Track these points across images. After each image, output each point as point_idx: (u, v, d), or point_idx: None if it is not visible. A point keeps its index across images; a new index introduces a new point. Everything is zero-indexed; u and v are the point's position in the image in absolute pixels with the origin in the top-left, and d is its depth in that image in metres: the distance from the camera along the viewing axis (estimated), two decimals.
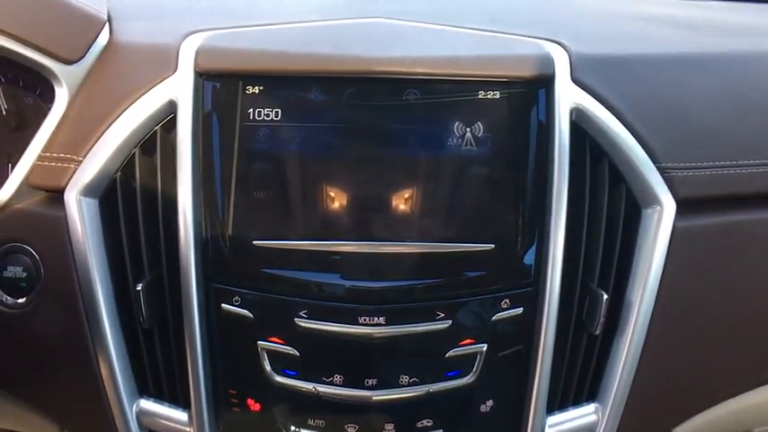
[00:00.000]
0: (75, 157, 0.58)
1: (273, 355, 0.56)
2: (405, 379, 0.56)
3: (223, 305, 0.56)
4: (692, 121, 0.60)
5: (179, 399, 0.59)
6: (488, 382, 0.57)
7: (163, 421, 0.60)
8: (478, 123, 0.57)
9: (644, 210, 0.59)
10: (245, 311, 0.56)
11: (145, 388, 0.60)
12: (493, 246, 0.56)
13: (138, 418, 0.60)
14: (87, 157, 0.57)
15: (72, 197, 0.57)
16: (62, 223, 0.57)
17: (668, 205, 0.58)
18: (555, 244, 0.56)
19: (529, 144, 0.58)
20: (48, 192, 0.59)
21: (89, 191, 0.57)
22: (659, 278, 0.58)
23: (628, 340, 0.58)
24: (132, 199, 0.59)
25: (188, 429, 0.59)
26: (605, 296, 0.57)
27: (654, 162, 0.58)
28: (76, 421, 0.64)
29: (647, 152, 0.58)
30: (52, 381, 0.62)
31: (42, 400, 0.64)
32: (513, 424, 0.59)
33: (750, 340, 0.63)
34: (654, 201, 0.58)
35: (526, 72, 0.57)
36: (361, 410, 0.56)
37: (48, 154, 0.59)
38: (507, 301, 0.57)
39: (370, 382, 0.55)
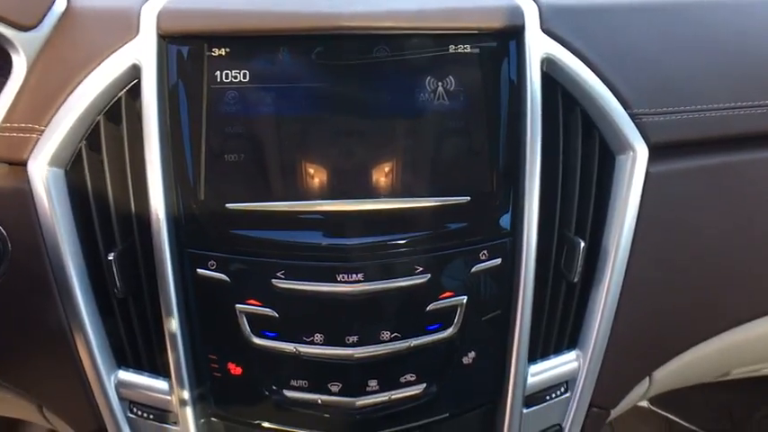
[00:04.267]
0: (36, 126, 0.56)
1: (252, 318, 0.55)
2: (386, 335, 0.55)
3: (198, 270, 0.55)
4: (663, 66, 0.60)
5: (158, 368, 0.58)
6: (470, 334, 0.57)
7: (143, 391, 0.59)
8: (450, 77, 0.57)
9: (617, 156, 0.59)
10: (221, 275, 0.55)
11: (123, 359, 0.59)
12: (469, 198, 0.56)
13: (117, 389, 0.59)
14: (50, 126, 0.56)
15: (35, 168, 0.55)
16: (27, 195, 0.56)
17: (641, 151, 0.58)
18: (530, 194, 0.56)
19: (501, 96, 0.57)
20: (11, 164, 0.58)
21: (54, 161, 0.56)
22: (634, 223, 0.58)
23: (606, 287, 0.59)
24: (100, 168, 0.57)
25: (168, 398, 0.58)
26: (582, 243, 0.58)
27: (625, 109, 0.58)
28: (54, 398, 0.63)
29: (618, 99, 0.58)
30: (26, 358, 0.60)
31: (18, 378, 0.62)
32: (495, 374, 0.60)
33: (724, 282, 0.64)
34: (627, 147, 0.58)
35: (495, 23, 0.57)
36: (344, 368, 0.56)
37: (8, 125, 0.57)
38: (485, 252, 0.56)
39: (352, 339, 0.55)
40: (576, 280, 0.59)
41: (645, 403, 1.47)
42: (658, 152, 0.59)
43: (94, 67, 0.56)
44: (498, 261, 0.57)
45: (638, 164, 0.58)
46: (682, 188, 0.60)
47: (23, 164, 0.56)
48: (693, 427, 1.44)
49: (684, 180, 0.60)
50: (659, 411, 1.46)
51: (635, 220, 0.58)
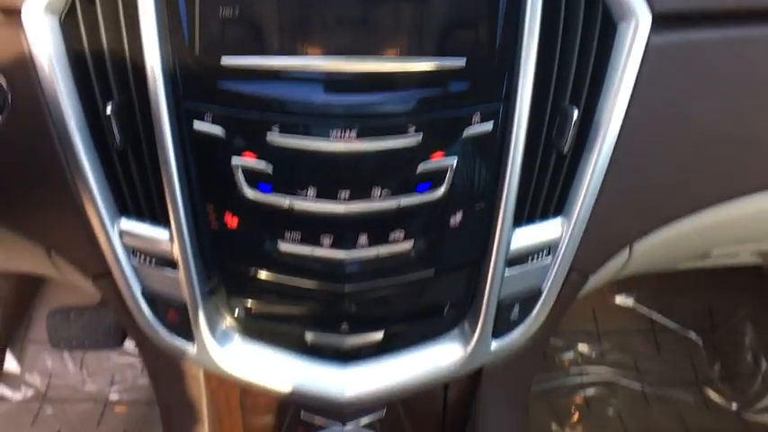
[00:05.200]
0: None
1: (247, 171, 0.57)
2: (377, 192, 0.57)
3: (195, 123, 0.56)
4: None
5: (159, 217, 0.61)
6: (458, 195, 0.59)
7: (144, 239, 0.62)
8: None
9: (619, 24, 0.57)
10: (216, 128, 0.56)
11: (125, 208, 0.62)
12: (465, 61, 0.56)
13: (120, 236, 0.62)
14: None
15: (30, 14, 0.55)
16: (23, 43, 0.56)
17: (644, 19, 0.56)
18: (527, 60, 0.56)
19: None
20: (5, 13, 0.57)
21: (48, 7, 0.55)
22: (630, 94, 0.58)
23: (595, 157, 0.60)
24: (94, 19, 0.57)
25: (169, 246, 0.61)
26: (576, 112, 0.58)
27: None
28: (61, 243, 0.66)
29: None
30: (33, 205, 0.63)
31: (26, 224, 0.65)
32: (481, 236, 0.62)
33: (712, 160, 0.64)
34: (629, 14, 0.56)
35: None
36: (336, 222, 0.58)
37: None
38: (478, 116, 0.57)
39: (344, 194, 0.57)
40: (566, 149, 0.59)
41: (630, 302, 1.54)
42: (662, 22, 0.57)
43: None
44: (490, 125, 0.57)
45: (640, 33, 0.56)
46: (682, 62, 0.59)
47: (17, 11, 0.55)
48: (675, 325, 1.51)
49: (686, 54, 0.59)
50: (643, 310, 1.53)
51: (631, 90, 0.58)
